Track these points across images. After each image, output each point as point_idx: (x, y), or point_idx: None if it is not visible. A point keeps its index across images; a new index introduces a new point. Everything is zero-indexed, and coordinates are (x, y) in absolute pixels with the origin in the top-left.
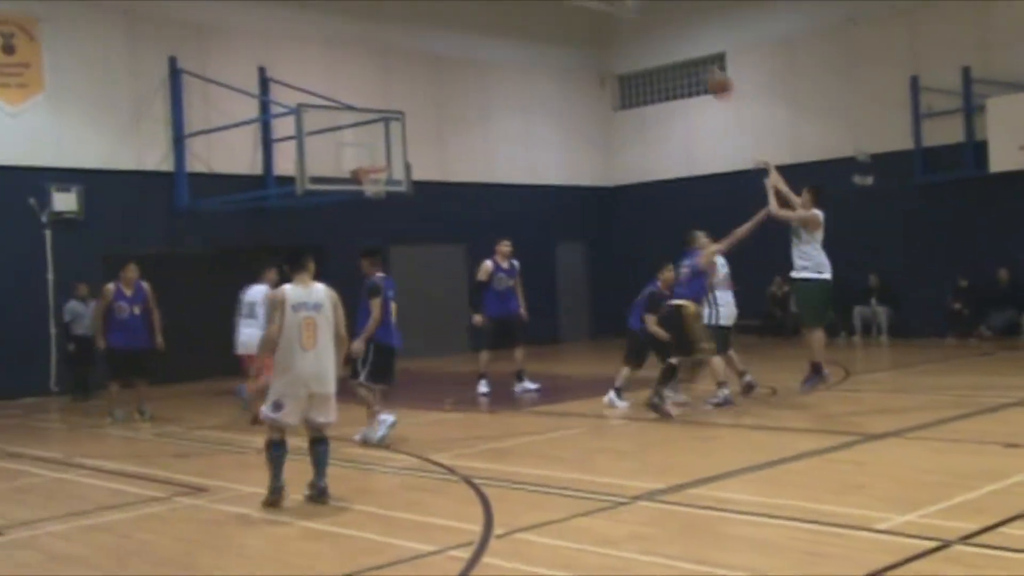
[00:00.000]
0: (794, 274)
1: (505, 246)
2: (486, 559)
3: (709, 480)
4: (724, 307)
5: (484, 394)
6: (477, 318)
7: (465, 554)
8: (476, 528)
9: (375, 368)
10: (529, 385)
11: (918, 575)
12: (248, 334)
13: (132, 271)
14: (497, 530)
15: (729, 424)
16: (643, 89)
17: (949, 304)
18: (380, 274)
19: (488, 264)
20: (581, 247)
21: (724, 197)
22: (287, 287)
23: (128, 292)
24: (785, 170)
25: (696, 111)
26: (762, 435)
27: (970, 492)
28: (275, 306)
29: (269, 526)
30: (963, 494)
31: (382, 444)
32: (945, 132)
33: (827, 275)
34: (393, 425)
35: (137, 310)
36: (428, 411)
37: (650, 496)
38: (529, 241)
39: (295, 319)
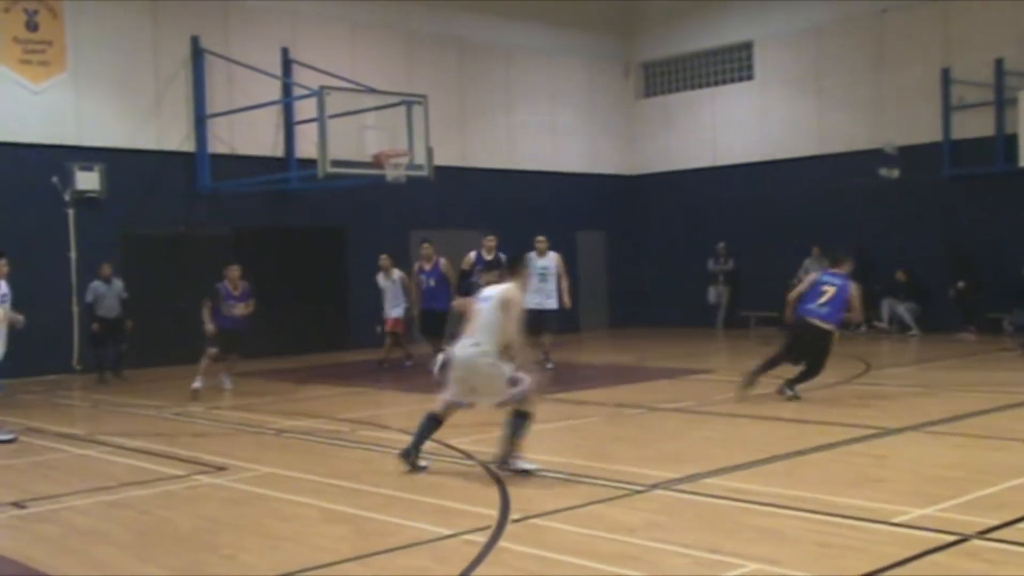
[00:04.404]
0: None
1: (490, 240)
2: (502, 543)
3: (726, 470)
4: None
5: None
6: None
7: (482, 538)
8: (493, 513)
9: None
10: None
11: (935, 569)
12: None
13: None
14: (513, 515)
15: (747, 416)
16: (668, 77)
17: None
18: None
19: (472, 255)
20: (602, 236)
21: (747, 187)
22: None
23: (235, 292)
24: (811, 161)
25: (721, 100)
26: (780, 427)
27: (990, 487)
28: None
29: (288, 506)
30: (983, 489)
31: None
32: (975, 125)
33: None
34: None
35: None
36: None
37: (666, 485)
38: (550, 229)
39: None
